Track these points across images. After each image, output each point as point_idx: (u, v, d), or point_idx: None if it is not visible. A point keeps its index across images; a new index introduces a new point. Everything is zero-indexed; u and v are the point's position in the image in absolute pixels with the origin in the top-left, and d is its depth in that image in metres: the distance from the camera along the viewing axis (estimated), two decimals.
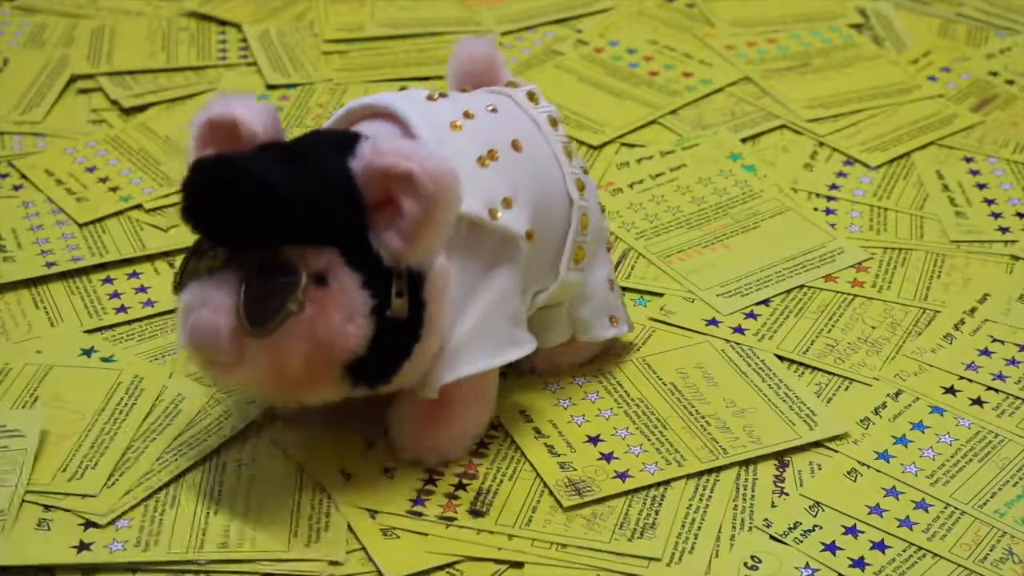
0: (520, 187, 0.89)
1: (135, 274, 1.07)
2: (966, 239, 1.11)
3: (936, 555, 0.87)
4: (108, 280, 1.07)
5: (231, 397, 0.95)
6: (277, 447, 0.93)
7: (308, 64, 1.31)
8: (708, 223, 1.12)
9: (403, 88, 0.92)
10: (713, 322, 1.03)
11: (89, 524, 0.88)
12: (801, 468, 0.93)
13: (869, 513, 0.89)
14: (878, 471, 0.92)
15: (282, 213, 0.80)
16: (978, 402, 0.97)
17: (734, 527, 0.89)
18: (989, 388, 0.98)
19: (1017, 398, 0.98)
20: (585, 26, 1.37)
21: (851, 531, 0.88)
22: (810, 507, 0.90)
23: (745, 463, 0.92)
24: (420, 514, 0.89)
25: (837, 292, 1.06)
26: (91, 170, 1.17)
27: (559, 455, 0.92)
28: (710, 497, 0.91)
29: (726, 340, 1.01)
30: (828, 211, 1.14)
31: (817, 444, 0.94)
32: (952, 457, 0.93)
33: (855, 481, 0.92)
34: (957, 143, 1.21)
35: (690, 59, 1.31)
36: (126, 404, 0.96)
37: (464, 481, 0.91)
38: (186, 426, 0.94)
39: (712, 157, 1.19)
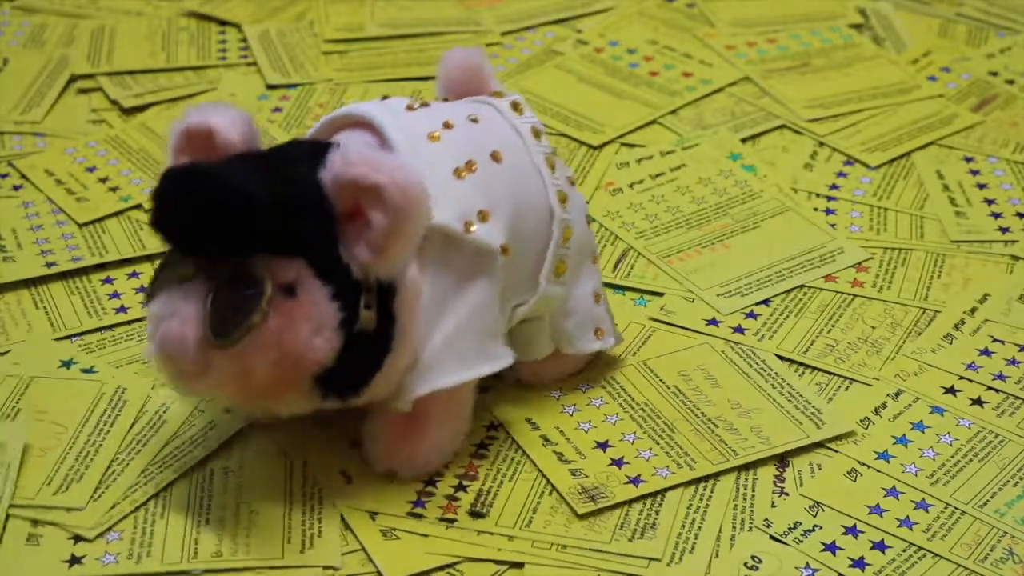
0: (498, 199, 0.88)
1: (135, 274, 1.07)
2: (966, 239, 1.11)
3: (936, 555, 0.87)
4: (108, 280, 1.07)
5: (215, 406, 0.95)
6: (277, 449, 0.93)
7: (308, 64, 1.31)
8: (708, 223, 1.12)
9: (385, 97, 0.92)
10: (713, 322, 1.03)
11: (78, 538, 0.87)
12: (801, 468, 0.93)
13: (869, 513, 0.90)
14: (878, 471, 0.92)
15: (251, 222, 0.80)
16: (978, 402, 0.97)
17: (734, 527, 0.89)
18: (989, 388, 0.98)
19: (1017, 398, 0.98)
20: (585, 26, 1.37)
21: (851, 531, 0.88)
22: (810, 507, 0.90)
23: (745, 463, 0.93)
24: (420, 516, 0.89)
25: (837, 292, 1.06)
26: (91, 170, 1.17)
27: (569, 462, 0.92)
28: (710, 497, 0.91)
29: (726, 340, 1.01)
30: (828, 211, 1.14)
31: (819, 444, 0.94)
32: (952, 457, 0.93)
33: (855, 481, 0.92)
34: (957, 143, 1.21)
35: (690, 59, 1.31)
36: (110, 415, 0.95)
37: (464, 483, 0.91)
38: (172, 436, 0.93)
39: (712, 157, 1.19)
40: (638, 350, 1.01)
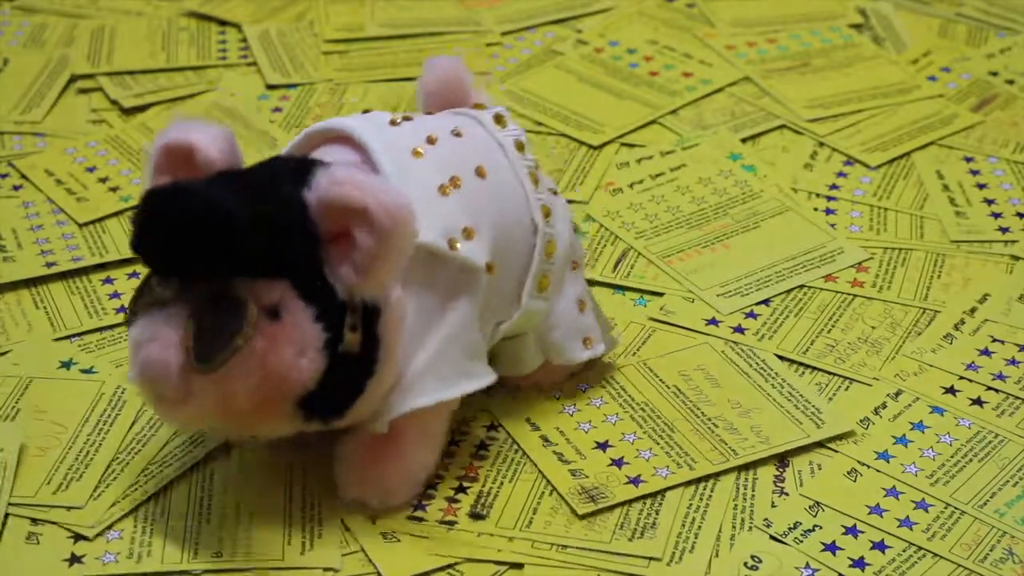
0: (482, 216, 0.87)
1: (135, 274, 1.07)
2: (966, 239, 1.11)
3: (936, 555, 0.87)
4: (108, 280, 1.07)
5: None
6: (278, 450, 0.92)
7: (308, 64, 1.31)
8: (708, 223, 1.12)
9: (367, 111, 0.91)
10: (713, 322, 1.03)
11: (79, 537, 0.87)
12: (801, 468, 0.93)
13: (869, 513, 0.90)
14: (878, 471, 0.92)
15: (234, 243, 0.79)
16: (978, 402, 0.97)
17: (734, 527, 0.89)
18: (989, 388, 0.98)
19: (1017, 398, 0.98)
20: (585, 26, 1.37)
21: (851, 531, 0.88)
22: (810, 507, 0.90)
23: (745, 463, 0.93)
24: (421, 519, 0.89)
25: (837, 292, 1.06)
26: (91, 170, 1.17)
27: (569, 462, 0.92)
28: (710, 497, 0.91)
29: (726, 340, 1.01)
30: (828, 211, 1.14)
31: (819, 444, 0.94)
32: (952, 457, 0.93)
33: (855, 481, 0.92)
34: (957, 143, 1.21)
35: (690, 59, 1.31)
36: (110, 415, 0.95)
37: (464, 484, 0.91)
38: (171, 436, 0.93)
39: (712, 157, 1.19)
40: (638, 350, 1.01)
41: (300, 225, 0.80)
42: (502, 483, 0.91)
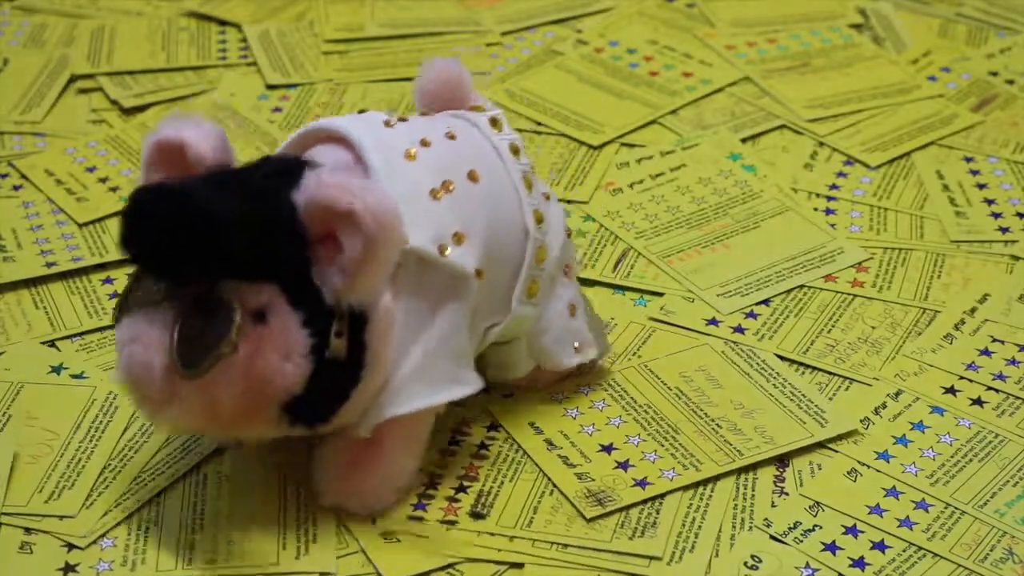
0: (473, 220, 0.87)
1: None
2: (966, 239, 1.11)
3: (936, 555, 0.87)
4: (108, 280, 1.07)
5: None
6: (277, 452, 0.92)
7: (308, 64, 1.31)
8: (708, 223, 1.12)
9: (362, 111, 0.90)
10: (713, 322, 1.03)
11: (72, 546, 0.87)
12: (801, 468, 0.93)
13: (869, 513, 0.90)
14: (878, 471, 0.92)
15: (221, 245, 0.78)
16: (978, 402, 0.97)
17: (734, 527, 0.89)
18: (989, 388, 0.98)
19: (1017, 398, 0.98)
20: (585, 26, 1.37)
21: (851, 531, 0.88)
22: (810, 507, 0.90)
23: (750, 463, 0.93)
24: (421, 519, 0.89)
25: (837, 292, 1.06)
26: (91, 170, 1.17)
27: (575, 466, 0.92)
28: (710, 497, 0.91)
29: (726, 340, 1.01)
30: (828, 211, 1.14)
31: (820, 444, 0.94)
32: (952, 457, 0.93)
33: (855, 481, 0.92)
34: (957, 143, 1.21)
35: (690, 59, 1.31)
36: (101, 422, 0.94)
37: (465, 484, 0.91)
38: (164, 442, 0.93)
39: (712, 157, 1.19)
40: (638, 350, 1.01)
41: (288, 227, 0.80)
42: (502, 482, 0.91)
